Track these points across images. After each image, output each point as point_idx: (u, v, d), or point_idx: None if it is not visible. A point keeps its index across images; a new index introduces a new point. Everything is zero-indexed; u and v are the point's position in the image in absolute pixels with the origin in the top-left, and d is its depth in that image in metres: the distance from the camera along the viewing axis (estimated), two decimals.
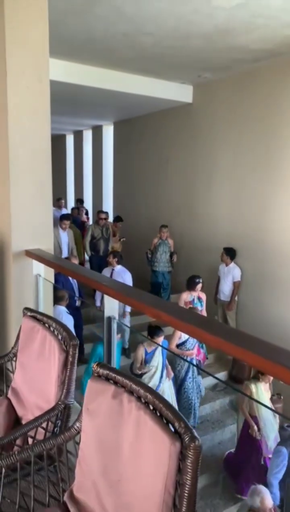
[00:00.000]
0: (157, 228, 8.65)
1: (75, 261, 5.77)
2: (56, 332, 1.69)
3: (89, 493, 1.24)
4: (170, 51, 5.78)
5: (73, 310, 5.59)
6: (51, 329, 1.72)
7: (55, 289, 5.64)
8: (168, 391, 4.75)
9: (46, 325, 1.76)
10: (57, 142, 13.50)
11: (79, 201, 11.30)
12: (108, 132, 10.52)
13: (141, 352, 4.79)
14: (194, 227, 7.84)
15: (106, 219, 7.66)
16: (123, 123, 9.91)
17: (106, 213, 7.93)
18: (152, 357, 4.78)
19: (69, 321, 4.82)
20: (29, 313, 1.86)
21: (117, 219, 8.77)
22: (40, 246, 3.04)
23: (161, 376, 4.77)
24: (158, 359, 4.78)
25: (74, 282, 5.65)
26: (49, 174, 3.05)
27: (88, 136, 11.54)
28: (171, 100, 7.66)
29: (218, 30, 5.03)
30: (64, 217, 7.11)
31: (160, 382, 4.73)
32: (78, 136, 12.04)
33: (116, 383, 1.25)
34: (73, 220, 8.37)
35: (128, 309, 5.82)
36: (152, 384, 4.55)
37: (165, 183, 8.59)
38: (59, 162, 13.51)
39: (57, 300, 4.96)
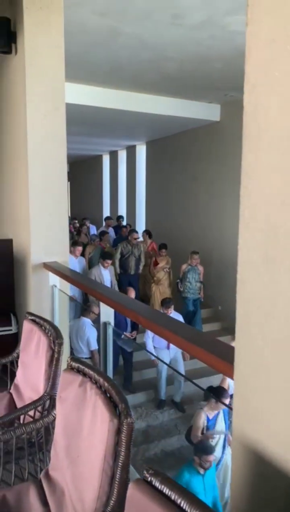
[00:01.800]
0: (187, 246, 8.76)
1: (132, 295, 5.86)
2: (48, 333, 1.89)
3: (58, 471, 1.42)
4: (194, 74, 6.02)
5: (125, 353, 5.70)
6: (46, 330, 1.93)
7: (85, 301, 5.92)
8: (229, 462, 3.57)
9: (42, 327, 1.97)
10: (94, 162, 14.09)
11: (121, 218, 11.09)
12: (141, 152, 10.89)
13: (202, 419, 3.93)
14: (224, 242, 7.90)
15: (137, 239, 7.69)
16: (155, 142, 10.24)
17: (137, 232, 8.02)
18: (214, 423, 3.96)
19: (92, 332, 5.03)
20: (29, 317, 2.09)
21: (162, 246, 7.84)
22: (57, 259, 3.29)
23: (224, 446, 3.96)
24: (221, 426, 3.99)
25: (128, 321, 5.56)
26: (65, 193, 3.32)
27: (122, 155, 11.99)
28: (199, 119, 7.87)
29: (239, 51, 5.19)
30: (106, 256, 6.73)
31: (223, 453, 3.93)
32: (114, 156, 12.53)
33: (84, 374, 1.43)
34: (123, 239, 8.36)
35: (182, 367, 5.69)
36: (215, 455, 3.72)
37: (195, 199, 8.75)
38: (96, 181, 14.08)
39: (83, 312, 5.21)
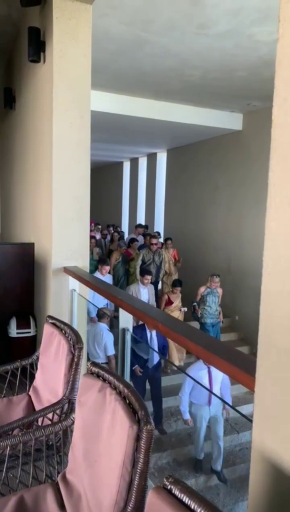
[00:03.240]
0: (205, 255, 8.72)
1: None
2: (69, 337, 1.92)
3: (76, 474, 1.43)
4: (217, 83, 6.04)
5: (149, 376, 5.18)
6: (66, 334, 1.96)
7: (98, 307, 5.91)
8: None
9: (63, 331, 2.00)
10: (115, 169, 14.22)
11: (145, 226, 10.78)
12: (162, 159, 10.94)
13: None
14: (242, 252, 7.86)
15: (157, 244, 7.43)
16: (176, 150, 10.28)
17: (158, 238, 7.78)
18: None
19: (109, 337, 5.06)
20: (50, 320, 2.12)
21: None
22: (77, 263, 3.33)
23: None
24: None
25: (153, 338, 5.12)
26: (87, 200, 3.36)
27: (143, 163, 12.07)
28: (221, 128, 7.88)
29: (263, 61, 5.21)
30: (146, 272, 6.39)
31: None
32: (134, 163, 12.62)
33: (104, 379, 1.44)
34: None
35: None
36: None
37: (215, 208, 8.73)
38: (116, 187, 14.20)
39: (99, 317, 5.25)
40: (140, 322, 4.94)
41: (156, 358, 5.14)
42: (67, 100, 3.14)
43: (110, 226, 11.31)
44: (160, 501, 0.89)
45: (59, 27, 3.02)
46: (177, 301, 6.79)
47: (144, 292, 6.26)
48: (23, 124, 4.40)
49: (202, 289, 6.61)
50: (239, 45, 4.69)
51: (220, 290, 6.68)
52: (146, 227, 10.65)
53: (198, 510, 0.84)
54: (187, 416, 4.73)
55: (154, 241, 7.40)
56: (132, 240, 8.50)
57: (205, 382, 4.54)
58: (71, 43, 3.09)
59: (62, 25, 3.03)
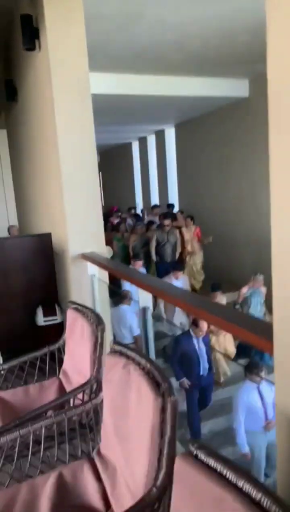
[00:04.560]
0: (221, 229, 8.57)
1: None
2: (91, 320, 1.97)
3: (109, 449, 1.49)
4: (219, 50, 5.86)
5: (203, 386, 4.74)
6: (88, 317, 2.01)
7: (119, 289, 5.96)
8: None
9: (85, 314, 2.05)
10: (124, 150, 14.10)
11: (172, 206, 10.38)
12: (170, 135, 10.78)
13: None
14: (262, 223, 7.72)
15: (169, 225, 7.35)
16: (184, 124, 10.10)
17: (170, 218, 7.63)
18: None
19: (133, 319, 5.13)
20: (72, 306, 2.17)
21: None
22: (94, 249, 3.37)
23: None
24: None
25: (201, 349, 4.69)
26: (97, 184, 3.37)
27: (152, 141, 11.92)
28: (227, 96, 7.67)
29: (264, 23, 5.00)
30: (176, 267, 6.19)
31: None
32: (143, 142, 12.48)
33: (127, 357, 1.48)
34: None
35: None
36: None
37: (228, 180, 8.59)
38: (127, 169, 14.11)
39: (121, 299, 5.31)
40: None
41: (207, 365, 4.76)
42: (66, 85, 3.12)
43: (132, 209, 11.25)
44: (187, 466, 0.93)
45: (50, 12, 2.98)
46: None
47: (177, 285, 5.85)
48: (27, 115, 4.40)
49: (244, 290, 5.96)
50: (239, 8, 4.52)
51: (263, 289, 5.91)
52: (171, 206, 10.26)
53: (224, 471, 0.87)
54: (246, 449, 4.02)
55: (166, 222, 7.38)
56: (150, 223, 8.38)
57: (259, 405, 3.99)
58: (64, 27, 3.05)
59: (53, 9, 2.99)
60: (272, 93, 0.99)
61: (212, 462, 0.90)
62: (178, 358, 4.66)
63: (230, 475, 0.86)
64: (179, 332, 5.82)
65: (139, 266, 6.03)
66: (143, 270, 6.42)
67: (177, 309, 5.63)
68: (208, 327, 5.19)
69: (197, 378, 4.66)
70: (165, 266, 7.27)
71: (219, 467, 0.89)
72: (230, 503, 0.82)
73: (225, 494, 0.84)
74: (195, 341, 4.68)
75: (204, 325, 4.54)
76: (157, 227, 8.05)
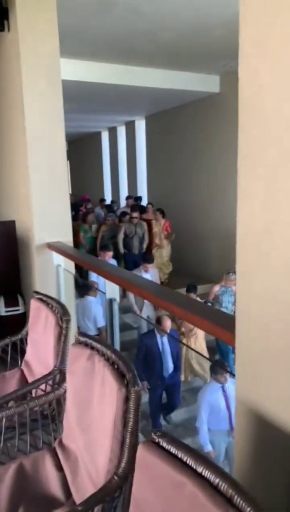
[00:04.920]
0: (190, 222, 8.67)
1: None
2: (55, 310, 1.95)
3: (71, 439, 1.49)
4: (192, 44, 5.87)
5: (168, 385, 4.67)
6: (53, 308, 1.99)
7: (86, 280, 5.91)
8: None
9: (49, 305, 2.03)
10: (93, 140, 13.91)
11: (138, 198, 10.23)
12: (141, 127, 10.73)
13: None
14: (228, 216, 7.86)
15: (137, 218, 7.41)
16: (154, 116, 10.08)
17: (138, 210, 7.67)
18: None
19: (98, 310, 5.11)
20: (36, 296, 2.14)
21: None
22: (60, 239, 3.32)
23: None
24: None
25: (165, 344, 4.64)
26: (65, 171, 3.31)
27: (122, 131, 11.83)
28: (198, 91, 7.71)
29: (237, 18, 5.06)
30: (146, 260, 6.10)
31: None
32: (113, 132, 12.36)
33: (92, 348, 1.48)
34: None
35: None
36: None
37: (198, 173, 8.67)
38: (96, 158, 13.94)
39: (87, 290, 5.28)
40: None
41: (171, 365, 4.69)
42: (36, 69, 3.03)
43: (104, 200, 11.17)
44: (149, 454, 0.94)
45: None
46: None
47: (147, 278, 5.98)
48: None
49: (216, 288, 5.88)
50: (213, 2, 4.54)
51: (235, 288, 5.91)
52: (139, 198, 10.25)
53: (185, 458, 0.89)
54: (209, 447, 4.04)
55: (134, 214, 7.44)
56: (123, 214, 8.34)
57: (223, 404, 4.02)
58: (35, 8, 2.96)
59: None
60: (242, 91, 1.01)
61: (173, 449, 0.93)
62: (142, 357, 4.63)
63: (190, 461, 0.88)
64: (145, 325, 5.87)
65: (108, 257, 5.97)
66: (113, 261, 6.37)
67: (146, 302, 5.63)
68: (179, 329, 5.30)
69: (160, 377, 4.60)
70: (133, 258, 7.37)
71: (180, 454, 0.91)
72: (189, 487, 0.84)
73: (185, 479, 0.86)
74: (158, 339, 4.62)
75: (167, 323, 4.52)
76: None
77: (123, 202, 11.16)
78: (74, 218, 8.23)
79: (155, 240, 7.87)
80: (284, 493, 1.07)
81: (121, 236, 7.41)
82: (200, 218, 8.71)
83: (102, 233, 7.66)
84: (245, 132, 1.01)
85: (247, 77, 1.00)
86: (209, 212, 8.42)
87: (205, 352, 5.40)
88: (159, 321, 4.60)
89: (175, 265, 8.40)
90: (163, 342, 4.64)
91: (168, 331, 4.57)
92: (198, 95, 7.96)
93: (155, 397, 4.71)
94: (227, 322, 1.28)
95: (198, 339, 5.34)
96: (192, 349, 5.05)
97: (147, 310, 5.74)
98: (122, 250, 7.44)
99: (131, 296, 5.68)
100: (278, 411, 1.05)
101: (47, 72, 3.07)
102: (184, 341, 5.24)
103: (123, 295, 5.94)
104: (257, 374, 1.12)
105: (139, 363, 4.62)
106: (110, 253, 6.09)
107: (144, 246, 7.62)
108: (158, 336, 4.62)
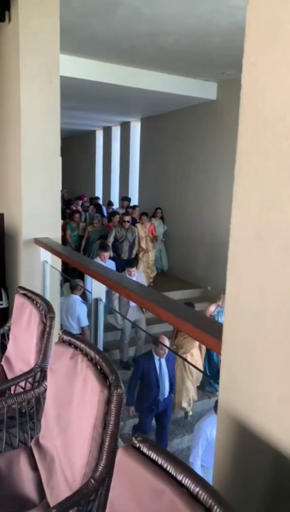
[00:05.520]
0: (180, 226, 8.71)
1: None
2: (40, 307, 1.92)
3: (49, 439, 1.46)
4: (192, 49, 5.90)
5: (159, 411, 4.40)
6: (37, 304, 1.96)
7: (70, 279, 5.84)
8: None
9: (34, 301, 1.99)
10: (87, 138, 13.86)
11: (127, 199, 10.25)
12: (136, 128, 10.73)
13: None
14: (217, 223, 7.91)
15: (129, 221, 7.34)
16: (150, 119, 10.09)
17: (130, 214, 7.65)
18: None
19: (82, 309, 5.08)
20: (21, 291, 2.10)
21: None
22: (49, 235, 3.28)
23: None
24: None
25: (163, 367, 4.39)
26: (58, 169, 3.28)
27: (116, 132, 11.81)
28: (195, 97, 7.75)
29: (237, 27, 5.10)
30: (129, 264, 5.95)
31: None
32: (107, 132, 12.33)
33: (75, 347, 1.46)
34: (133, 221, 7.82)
35: None
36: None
37: (190, 179, 8.70)
38: (88, 157, 13.89)
39: (72, 289, 5.24)
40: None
41: (167, 388, 4.43)
42: (35, 63, 3.00)
43: (97, 199, 11.09)
44: (128, 458, 0.93)
45: None
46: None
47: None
48: None
49: (212, 308, 5.60)
50: (215, 10, 4.57)
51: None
52: (127, 199, 10.21)
53: (165, 465, 0.88)
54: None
55: (126, 218, 7.32)
56: (113, 214, 8.24)
57: None
58: (37, 1, 2.93)
59: None
60: (244, 98, 1.01)
61: (153, 455, 0.91)
62: (137, 380, 4.37)
63: (170, 468, 0.87)
64: (129, 326, 5.80)
65: (105, 258, 5.85)
66: (111, 263, 6.29)
67: (132, 306, 5.59)
68: (173, 343, 5.06)
69: (154, 402, 4.36)
70: (121, 263, 7.09)
71: (160, 460, 0.90)
72: (169, 495, 0.83)
73: (164, 486, 0.85)
74: (156, 361, 4.35)
75: (165, 342, 4.30)
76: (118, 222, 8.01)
77: (116, 203, 11.16)
78: (66, 216, 8.20)
79: (141, 244, 7.81)
80: (262, 505, 1.06)
81: (111, 240, 7.25)
82: (188, 224, 8.75)
83: (88, 233, 7.59)
84: (244, 139, 1.00)
85: (250, 85, 0.99)
86: (198, 218, 8.47)
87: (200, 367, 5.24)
88: (156, 342, 4.37)
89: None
90: (161, 364, 4.37)
91: (166, 352, 4.31)
92: (195, 101, 8.00)
93: (145, 422, 4.48)
94: (214, 328, 1.28)
95: (194, 355, 5.10)
96: (190, 363, 4.75)
97: (133, 314, 5.67)
98: (111, 254, 7.23)
99: (115, 302, 5.64)
100: (261, 423, 1.04)
101: (46, 66, 3.04)
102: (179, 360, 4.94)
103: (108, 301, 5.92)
104: (241, 383, 1.11)
105: (133, 386, 4.39)
106: (107, 254, 6.06)
107: (134, 252, 7.47)
108: (155, 357, 4.36)
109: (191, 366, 4.92)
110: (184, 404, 5.09)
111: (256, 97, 0.95)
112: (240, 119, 1.00)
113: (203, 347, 5.07)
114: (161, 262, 8.93)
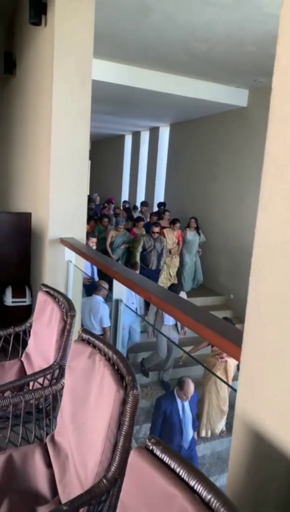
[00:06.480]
0: (205, 232, 8.64)
1: None
2: (62, 305, 1.94)
3: (64, 436, 1.47)
4: (225, 56, 5.88)
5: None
6: (59, 302, 1.98)
7: (94, 279, 5.89)
8: None
9: (56, 299, 2.02)
10: (116, 142, 14.00)
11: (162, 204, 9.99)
12: (164, 134, 10.76)
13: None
14: (242, 230, 7.82)
15: (158, 233, 7.16)
16: (179, 125, 10.10)
17: (159, 224, 7.47)
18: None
19: (105, 310, 5.10)
20: (44, 289, 2.13)
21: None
22: (74, 235, 3.33)
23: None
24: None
25: (186, 410, 4.10)
26: (85, 171, 3.33)
27: (145, 137, 11.88)
28: (226, 104, 7.70)
29: (271, 35, 5.05)
30: (134, 266, 5.98)
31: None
32: (136, 137, 12.42)
33: (94, 346, 1.47)
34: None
35: None
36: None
37: (217, 185, 8.64)
38: (116, 161, 14.02)
39: (95, 290, 5.28)
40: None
41: (191, 433, 4.12)
42: (68, 66, 3.06)
43: (126, 203, 11.07)
44: (141, 460, 0.92)
45: None
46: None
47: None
48: (23, 90, 4.30)
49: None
50: (248, 18, 4.54)
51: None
52: (163, 204, 9.97)
53: (178, 469, 0.87)
54: None
55: (155, 229, 7.11)
56: (138, 219, 8.17)
57: None
58: (74, 6, 2.99)
59: None
60: (274, 102, 0.99)
61: (166, 459, 0.90)
62: (160, 424, 4.05)
63: (183, 473, 0.86)
64: (164, 343, 5.64)
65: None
66: None
67: (169, 324, 5.51)
68: (215, 355, 4.70)
69: (177, 449, 3.97)
70: (148, 273, 6.93)
71: (173, 464, 0.89)
72: (179, 501, 0.81)
73: (176, 491, 0.83)
74: (179, 404, 4.03)
75: (190, 388, 3.99)
76: (146, 225, 7.93)
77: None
78: (96, 219, 8.29)
79: (169, 250, 7.68)
80: None
81: (139, 249, 7.12)
82: (212, 230, 8.68)
83: (111, 238, 7.56)
84: (272, 142, 0.99)
85: (280, 88, 0.98)
86: (222, 225, 8.39)
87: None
88: (181, 384, 4.06)
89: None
90: (185, 408, 4.06)
91: (190, 397, 4.03)
92: (225, 107, 7.96)
93: None
94: (235, 336, 1.26)
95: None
96: (220, 378, 4.58)
97: (169, 333, 5.53)
98: (139, 263, 7.05)
99: (151, 316, 5.58)
100: (278, 431, 1.02)
101: (79, 70, 3.09)
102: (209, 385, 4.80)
103: (145, 313, 5.93)
104: (259, 392, 1.09)
105: (155, 430, 4.09)
106: (136, 272, 6.02)
107: (162, 263, 7.30)
108: (178, 400, 4.04)
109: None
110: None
111: (285, 100, 0.94)
112: (269, 122, 0.98)
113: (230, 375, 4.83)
114: (196, 275, 8.45)
